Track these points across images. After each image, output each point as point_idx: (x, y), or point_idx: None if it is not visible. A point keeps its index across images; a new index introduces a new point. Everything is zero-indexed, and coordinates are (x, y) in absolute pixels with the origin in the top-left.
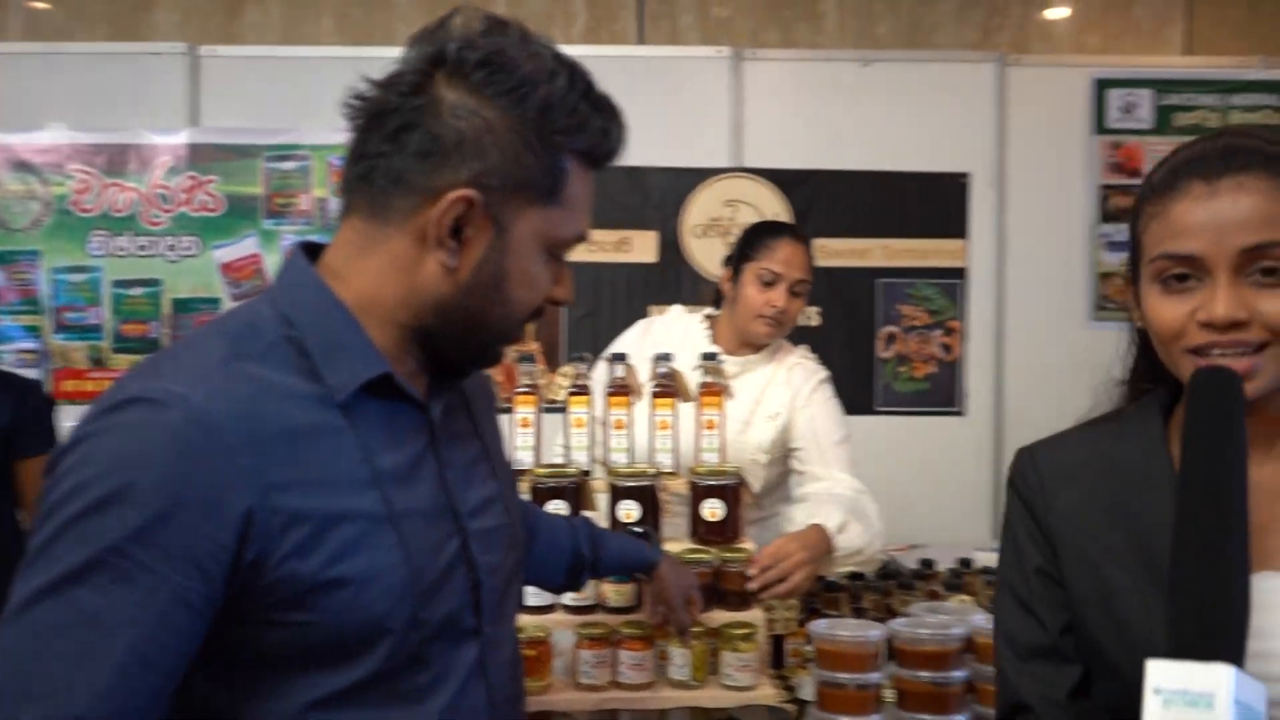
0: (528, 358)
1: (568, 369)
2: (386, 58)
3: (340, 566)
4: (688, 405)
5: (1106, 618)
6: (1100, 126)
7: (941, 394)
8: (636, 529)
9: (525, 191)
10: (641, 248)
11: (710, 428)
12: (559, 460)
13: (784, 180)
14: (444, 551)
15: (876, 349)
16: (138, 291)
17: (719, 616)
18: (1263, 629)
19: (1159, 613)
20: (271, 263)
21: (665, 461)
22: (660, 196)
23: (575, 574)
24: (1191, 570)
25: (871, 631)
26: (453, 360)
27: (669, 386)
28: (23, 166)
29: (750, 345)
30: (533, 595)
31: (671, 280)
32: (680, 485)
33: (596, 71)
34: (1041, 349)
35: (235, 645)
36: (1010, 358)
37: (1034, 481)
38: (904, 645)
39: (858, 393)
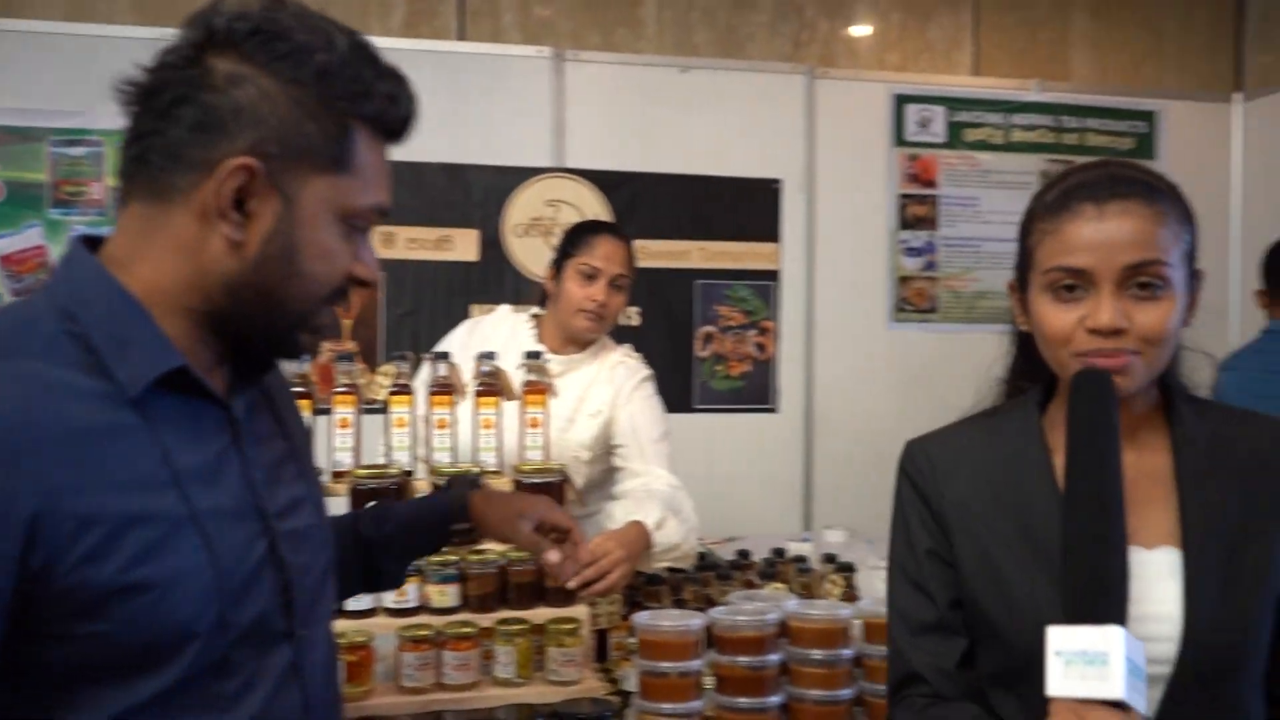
0: (346, 357)
1: (389, 368)
2: None
3: (139, 570)
4: (512, 404)
5: (996, 593)
6: (899, 139)
7: (756, 392)
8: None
9: (310, 159)
10: (463, 246)
11: (534, 426)
12: (380, 461)
13: (605, 181)
14: (251, 553)
15: (695, 348)
16: None
17: (543, 613)
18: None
19: (1043, 587)
20: (59, 255)
21: (489, 460)
22: (481, 195)
23: (372, 567)
24: (1081, 547)
25: (692, 621)
26: (253, 347)
27: (492, 385)
28: None
29: (575, 343)
30: (353, 599)
31: (493, 279)
32: (505, 483)
33: (415, 66)
34: (848, 348)
35: (25, 661)
36: (819, 356)
37: (927, 472)
38: (722, 633)
39: (676, 391)
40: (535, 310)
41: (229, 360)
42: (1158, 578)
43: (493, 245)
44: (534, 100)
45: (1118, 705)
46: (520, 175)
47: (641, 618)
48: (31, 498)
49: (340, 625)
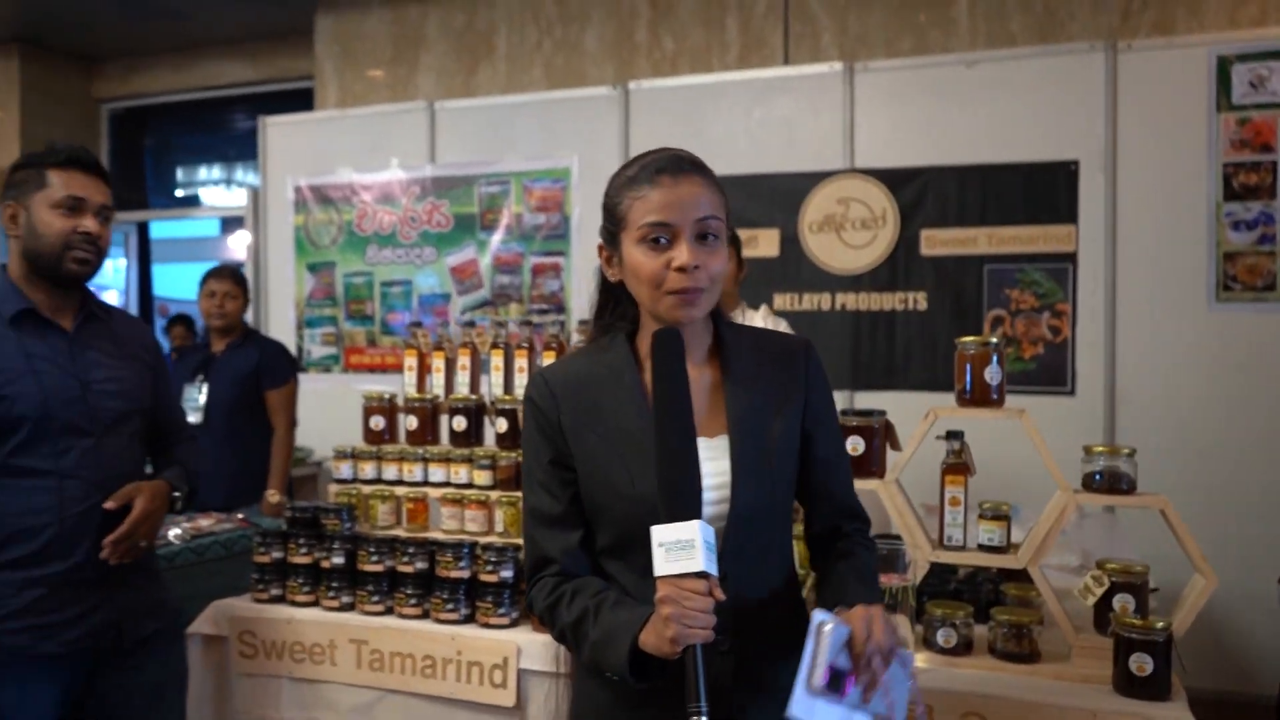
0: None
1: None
2: (575, 98)
3: (7, 390)
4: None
5: (603, 485)
6: (1224, 103)
7: (1049, 373)
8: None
9: (29, 188)
10: (765, 244)
11: (522, 373)
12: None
13: (893, 178)
14: (69, 390)
15: (984, 332)
16: (397, 290)
17: None
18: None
19: (640, 477)
20: (485, 265)
21: (498, 393)
22: (782, 198)
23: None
24: (667, 465)
25: None
26: (54, 281)
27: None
28: (325, 200)
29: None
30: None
31: (792, 271)
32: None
33: (736, 96)
34: (1158, 331)
35: None
36: (1123, 340)
37: (547, 395)
38: None
39: None
40: None
41: (76, 306)
42: (719, 456)
43: (791, 242)
44: (827, 109)
45: (701, 575)
46: (814, 179)
47: None
48: None
49: (409, 490)
